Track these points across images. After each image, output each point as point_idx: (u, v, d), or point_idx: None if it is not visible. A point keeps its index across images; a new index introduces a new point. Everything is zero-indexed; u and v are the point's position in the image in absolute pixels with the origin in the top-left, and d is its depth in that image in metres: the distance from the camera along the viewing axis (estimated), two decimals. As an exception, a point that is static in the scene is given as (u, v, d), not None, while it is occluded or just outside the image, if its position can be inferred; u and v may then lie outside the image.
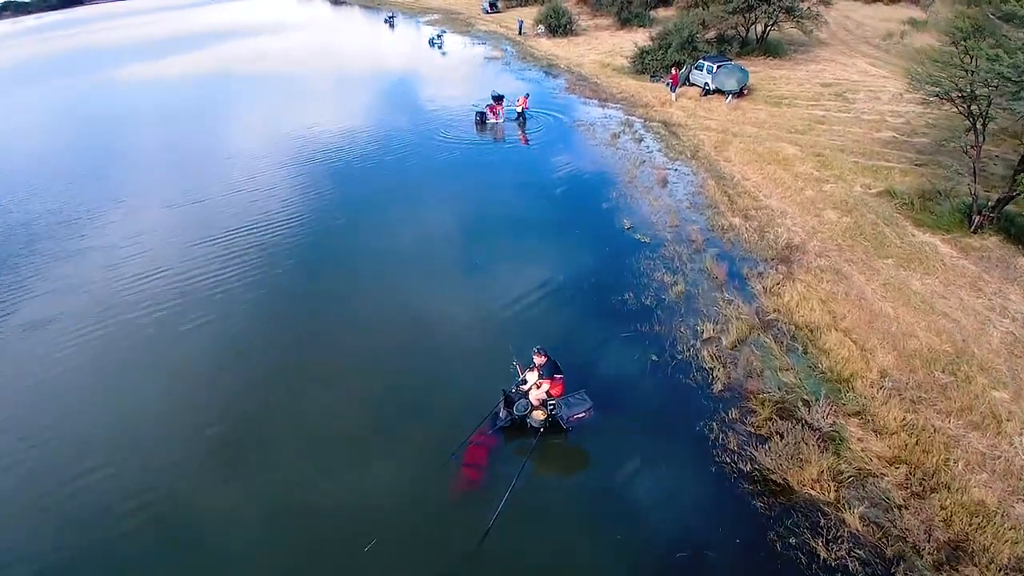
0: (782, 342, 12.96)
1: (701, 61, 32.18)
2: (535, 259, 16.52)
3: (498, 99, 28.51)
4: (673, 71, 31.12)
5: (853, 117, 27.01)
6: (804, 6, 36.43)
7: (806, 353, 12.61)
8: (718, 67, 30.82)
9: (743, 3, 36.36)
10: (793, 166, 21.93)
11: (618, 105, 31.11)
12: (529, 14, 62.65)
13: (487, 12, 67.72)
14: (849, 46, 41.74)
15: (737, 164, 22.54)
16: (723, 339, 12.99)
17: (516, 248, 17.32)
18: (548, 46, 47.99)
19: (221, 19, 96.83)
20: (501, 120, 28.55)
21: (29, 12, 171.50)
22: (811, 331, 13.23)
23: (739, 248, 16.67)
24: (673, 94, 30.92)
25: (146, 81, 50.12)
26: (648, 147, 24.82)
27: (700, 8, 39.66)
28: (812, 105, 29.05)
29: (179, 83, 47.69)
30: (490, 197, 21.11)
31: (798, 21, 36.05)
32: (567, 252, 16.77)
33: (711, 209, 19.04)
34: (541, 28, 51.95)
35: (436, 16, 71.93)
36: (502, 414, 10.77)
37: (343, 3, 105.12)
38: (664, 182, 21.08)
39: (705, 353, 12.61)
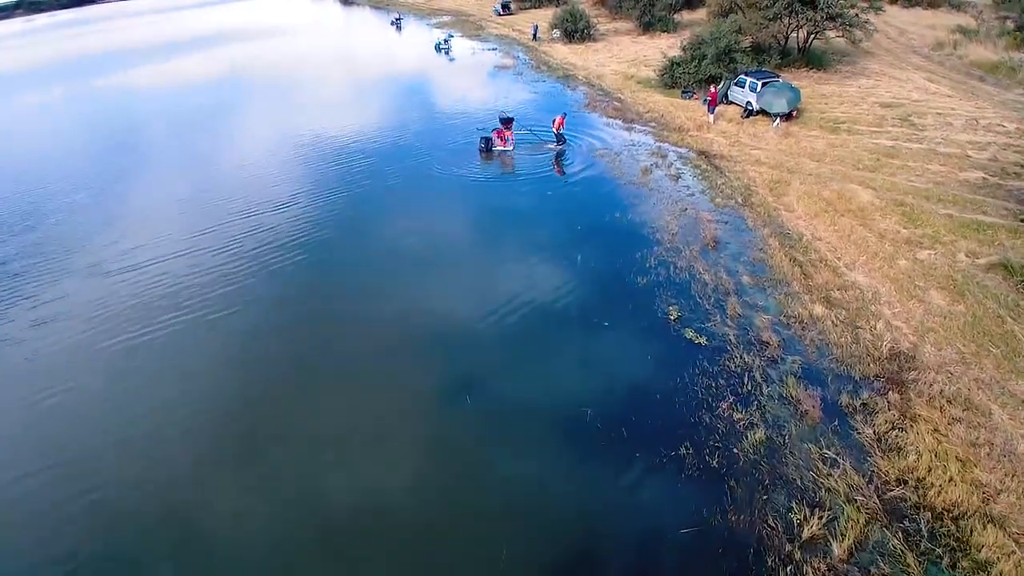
0: (916, 544, 8.33)
1: (742, 76, 27.30)
2: (544, 383, 11.90)
3: (506, 122, 23.88)
4: (712, 89, 26.25)
5: (927, 150, 22.16)
6: (852, 12, 31.32)
7: (954, 569, 7.99)
8: (763, 84, 25.96)
9: (786, 8, 31.39)
10: (872, 219, 17.18)
11: (647, 128, 26.36)
12: (543, 17, 57.80)
13: (499, 14, 62.91)
14: (897, 56, 36.71)
15: (802, 215, 17.79)
16: (832, 543, 8.38)
17: (517, 364, 12.58)
18: (564, 53, 43.18)
19: (223, 20, 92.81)
20: (510, 148, 23.92)
21: (42, 10, 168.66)
22: (955, 522, 8.62)
23: (829, 356, 12.01)
24: (711, 116, 26.10)
25: (131, 90, 45.91)
26: (688, 187, 20.10)
27: (736, 14, 34.60)
28: (876, 132, 24.17)
29: (161, 95, 43.41)
30: (484, 269, 16.35)
31: (845, 29, 30.96)
32: (592, 367, 12.21)
33: (780, 287, 14.35)
34: (556, 33, 47.11)
35: (446, 18, 67.18)
36: None
37: (353, 3, 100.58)
38: (714, 242, 16.38)
39: (810, 573, 7.99)
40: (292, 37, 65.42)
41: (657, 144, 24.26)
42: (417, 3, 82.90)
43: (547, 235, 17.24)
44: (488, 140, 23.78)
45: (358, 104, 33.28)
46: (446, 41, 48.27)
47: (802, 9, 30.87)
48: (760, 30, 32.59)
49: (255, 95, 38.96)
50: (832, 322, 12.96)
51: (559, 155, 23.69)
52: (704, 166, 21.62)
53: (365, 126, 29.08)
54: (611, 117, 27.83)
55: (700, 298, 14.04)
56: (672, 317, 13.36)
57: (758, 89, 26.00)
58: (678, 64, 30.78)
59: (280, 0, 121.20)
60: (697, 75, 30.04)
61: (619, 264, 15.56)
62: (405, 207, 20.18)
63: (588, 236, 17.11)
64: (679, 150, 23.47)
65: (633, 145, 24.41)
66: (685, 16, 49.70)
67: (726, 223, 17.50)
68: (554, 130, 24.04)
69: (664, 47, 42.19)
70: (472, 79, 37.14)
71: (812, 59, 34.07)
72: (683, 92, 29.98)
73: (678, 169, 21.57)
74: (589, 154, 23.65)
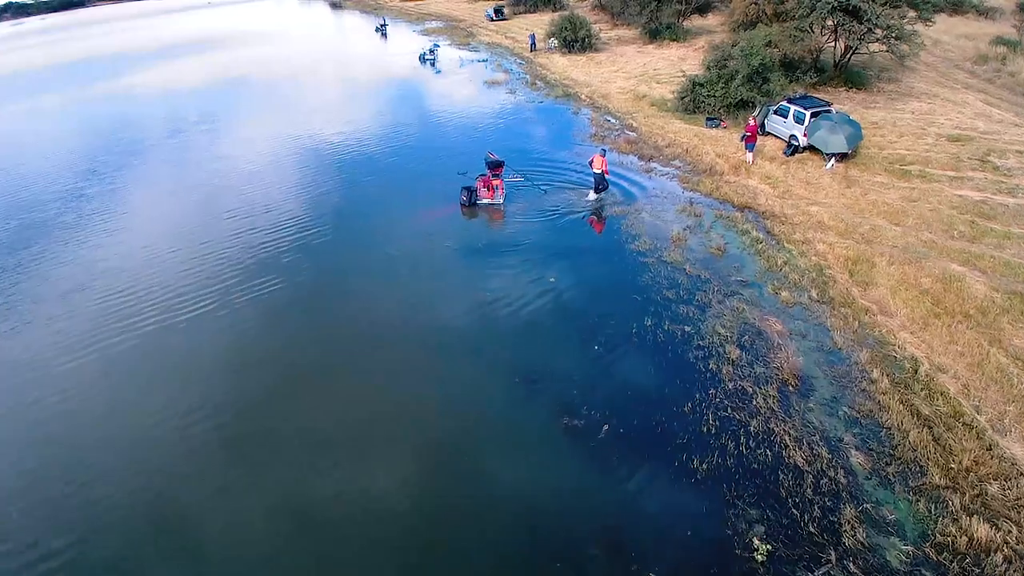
0: None
1: (784, 104, 21.73)
2: None
3: (494, 167, 18.24)
4: (751, 122, 20.60)
5: (1029, 205, 16.86)
6: (901, 24, 25.62)
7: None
8: (813, 115, 20.39)
9: (826, 18, 25.86)
10: (1002, 329, 11.94)
11: (670, 169, 20.78)
12: (538, 23, 51.95)
13: (491, 20, 57.03)
14: (940, 72, 31.24)
15: (904, 321, 12.31)
16: None
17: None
18: (563, 66, 37.42)
19: (201, 26, 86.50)
20: (500, 200, 18.27)
21: (29, 14, 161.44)
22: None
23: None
24: (749, 154, 20.53)
25: (97, 99, 40.01)
26: (739, 268, 14.57)
27: (766, 24, 28.94)
28: (955, 179, 18.75)
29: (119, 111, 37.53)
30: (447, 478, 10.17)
31: (891, 43, 25.32)
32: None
33: (911, 476, 8.98)
34: (553, 42, 41.33)
35: (435, 24, 61.18)
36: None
37: (341, 7, 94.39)
38: (795, 379, 10.82)
39: None
40: (268, 45, 59.34)
41: (687, 194, 18.68)
42: (406, 7, 76.73)
43: (542, 383, 11.33)
44: (471, 191, 18.11)
45: (314, 140, 26.77)
46: (431, 51, 42.45)
47: (846, 20, 25.28)
48: (793, 43, 26.94)
49: (185, 127, 32.23)
50: (1009, 559, 7.47)
51: (598, 209, 18.09)
52: (753, 232, 16.04)
53: (317, 173, 22.69)
54: (624, 152, 22.19)
55: (795, 508, 8.50)
56: (758, 558, 7.78)
57: (806, 121, 20.43)
58: (701, 85, 25.12)
59: (269, 4, 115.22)
60: (725, 99, 24.44)
61: (660, 432, 9.95)
62: (332, 340, 13.12)
63: (607, 370, 11.47)
64: (716, 205, 17.90)
65: (656, 195, 18.82)
66: (696, 21, 44.00)
67: (803, 338, 11.94)
68: (600, 171, 18.22)
69: (674, 58, 36.60)
70: (457, 99, 31.35)
71: (850, 77, 28.52)
72: (708, 120, 24.38)
73: (721, 236, 15.99)
74: (598, 211, 18.02)
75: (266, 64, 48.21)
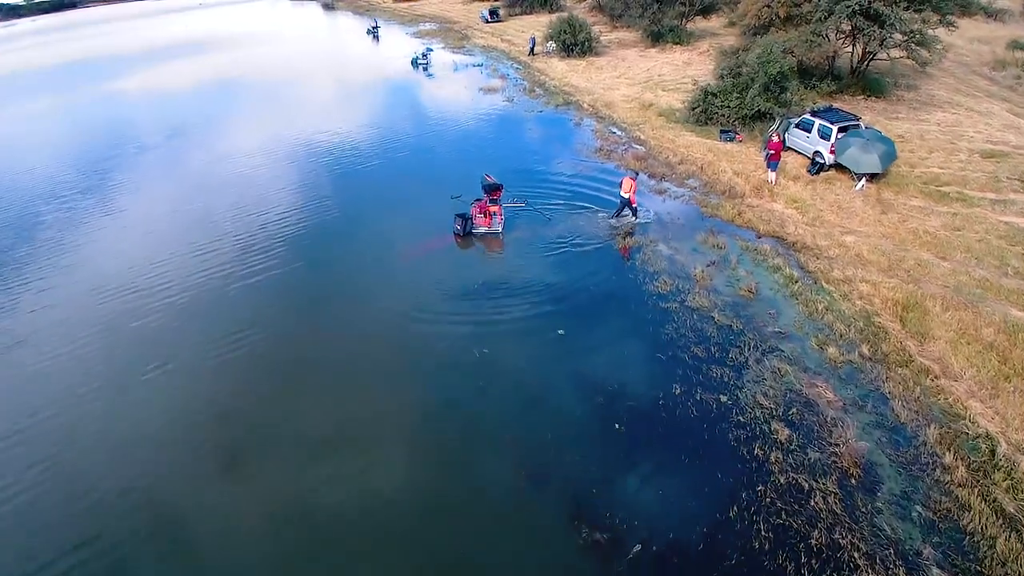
0: None
1: (807, 117, 19.85)
2: None
3: (492, 191, 16.24)
4: (773, 138, 18.69)
5: (1086, 233, 15.11)
6: (924, 28, 23.71)
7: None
8: (841, 130, 18.52)
9: (846, 21, 23.99)
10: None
11: (685, 190, 18.85)
12: (535, 24, 49.90)
13: (486, 22, 54.92)
14: (959, 79, 29.45)
15: (971, 386, 10.48)
16: None
17: None
18: (562, 71, 35.40)
19: (191, 28, 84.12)
20: (499, 228, 16.30)
21: (20, 15, 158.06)
22: None
23: None
24: (771, 174, 18.63)
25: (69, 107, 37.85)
26: (772, 312, 12.69)
27: (780, 29, 27.00)
28: (997, 202, 17.02)
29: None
30: None
31: (912, 49, 23.43)
32: None
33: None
34: (551, 46, 39.28)
35: (428, 26, 59.00)
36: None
37: (334, 8, 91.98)
38: (858, 466, 8.97)
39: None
40: (255, 48, 57.04)
41: (706, 221, 16.74)
42: (399, 9, 74.48)
43: (551, 467, 9.48)
44: (465, 219, 16.11)
45: (291, 158, 24.12)
46: (424, 56, 40.35)
47: (866, 24, 23.36)
48: (809, 49, 25.01)
49: (158, 146, 29.73)
50: None
51: (625, 234, 16.17)
52: (786, 268, 14.12)
53: (290, 199, 20.31)
54: (633, 169, 20.15)
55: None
56: None
57: (832, 136, 18.53)
58: (714, 95, 23.16)
59: (261, 5, 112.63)
60: (740, 110, 22.50)
61: (704, 550, 8.04)
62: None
63: (632, 460, 9.53)
64: (740, 233, 15.96)
65: (672, 222, 16.88)
66: (699, 23, 42.04)
67: (860, 409, 10.05)
68: (627, 197, 16.35)
69: (679, 63, 34.67)
70: (450, 108, 29.29)
71: (869, 84, 26.64)
72: (722, 132, 22.44)
73: (750, 274, 14.06)
74: (611, 238, 16.04)
75: (249, 69, 45.96)
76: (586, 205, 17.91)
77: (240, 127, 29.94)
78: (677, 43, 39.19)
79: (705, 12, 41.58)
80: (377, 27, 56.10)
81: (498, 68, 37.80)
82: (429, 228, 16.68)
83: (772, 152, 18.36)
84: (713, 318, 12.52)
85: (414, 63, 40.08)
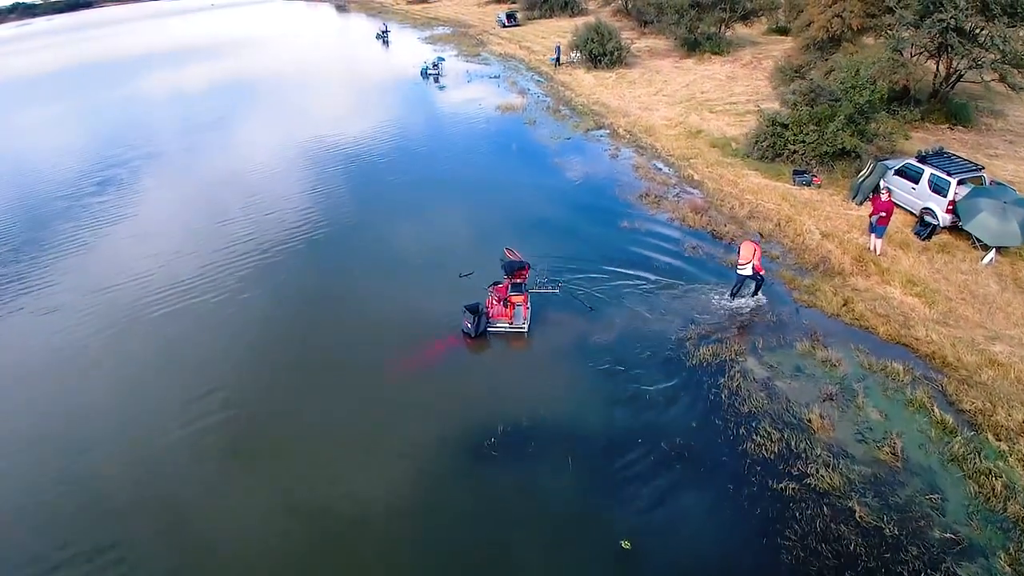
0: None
1: (911, 163, 15.23)
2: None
3: (515, 272, 11.67)
4: (882, 195, 13.90)
5: None
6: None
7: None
8: (960, 183, 13.83)
9: (938, 38, 19.27)
10: None
11: (765, 261, 14.04)
12: (556, 29, 45.22)
13: (503, 26, 50.25)
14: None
15: None
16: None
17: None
18: (590, 85, 30.73)
19: (195, 31, 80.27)
20: (523, 327, 11.68)
21: (36, 15, 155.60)
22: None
23: None
24: (876, 241, 13.92)
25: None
26: (934, 497, 8.10)
27: (847, 43, 22.21)
28: None
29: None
30: None
31: (1006, 71, 18.59)
32: None
33: None
34: (576, 55, 34.59)
35: (442, 30, 54.42)
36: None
37: (346, 10, 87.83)
38: None
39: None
40: (258, 54, 52.78)
41: (804, 315, 12.07)
42: (412, 11, 69.99)
43: None
44: (478, 314, 11.49)
45: (260, 214, 18.51)
46: (435, 65, 35.82)
47: (960, 41, 18.58)
48: (893, 71, 20.08)
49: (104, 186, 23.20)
50: None
51: (743, 325, 11.68)
52: (932, 408, 9.50)
53: (247, 282, 14.65)
54: (692, 227, 15.56)
55: None
56: None
57: (950, 191, 13.81)
58: (784, 126, 18.40)
59: (274, 5, 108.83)
60: (819, 147, 17.72)
61: None
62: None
63: None
64: (855, 339, 11.30)
65: (758, 317, 12.19)
66: (737, 31, 37.11)
67: None
68: (742, 268, 12.03)
69: (721, 76, 29.86)
70: (459, 135, 24.65)
71: (954, 110, 21.78)
72: (796, 174, 17.72)
73: (883, 416, 9.52)
74: (678, 348, 11.36)
75: (247, 80, 41.67)
76: (640, 276, 13.32)
77: (190, 175, 23.63)
78: (716, 53, 34.41)
79: (745, 18, 36.66)
80: (387, 32, 51.66)
81: (517, 81, 33.19)
82: (426, 325, 12.01)
83: (882, 214, 13.63)
84: (852, 512, 7.92)
85: (424, 73, 35.58)
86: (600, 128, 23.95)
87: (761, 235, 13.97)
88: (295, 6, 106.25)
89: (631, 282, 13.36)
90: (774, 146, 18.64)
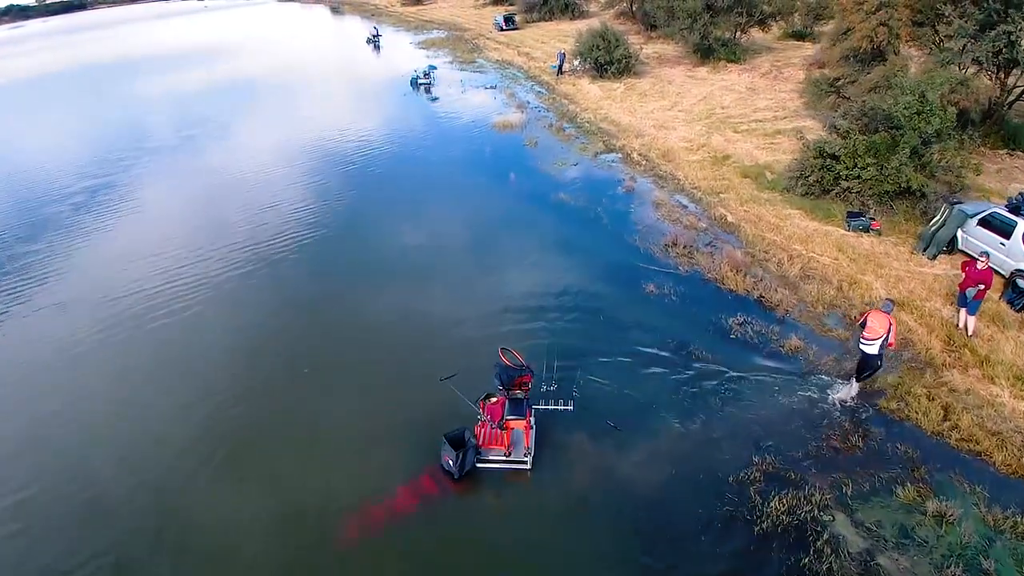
0: None
1: (1001, 213, 12.18)
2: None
3: (514, 379, 8.44)
4: (980, 265, 10.64)
5: None
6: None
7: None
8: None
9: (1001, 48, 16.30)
10: None
11: (829, 340, 10.89)
12: (556, 33, 41.98)
13: (501, 29, 46.99)
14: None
15: None
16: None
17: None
18: (596, 97, 27.52)
19: (177, 35, 76.89)
20: (526, 461, 8.45)
21: (29, 17, 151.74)
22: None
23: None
24: (970, 318, 10.69)
25: None
26: None
27: (894, 55, 19.06)
28: None
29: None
30: None
31: None
32: None
33: None
34: (579, 63, 31.36)
35: (436, 34, 51.08)
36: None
37: (340, 12, 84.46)
38: None
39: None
40: (240, 59, 49.43)
41: (895, 434, 8.94)
42: (406, 14, 66.62)
43: None
44: (463, 445, 8.24)
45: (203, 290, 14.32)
46: (426, 74, 32.59)
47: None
48: (952, 90, 16.82)
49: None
50: None
51: (821, 452, 8.58)
52: None
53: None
54: (732, 289, 12.39)
55: None
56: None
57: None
58: (834, 158, 15.20)
59: (268, 7, 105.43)
60: (879, 184, 14.54)
61: None
62: None
63: None
64: (967, 473, 8.24)
65: (835, 438, 8.99)
66: (755, 35, 33.92)
67: None
68: (879, 345, 8.94)
69: (741, 87, 26.65)
70: (451, 162, 21.30)
71: (1011, 133, 18.71)
72: (850, 217, 14.57)
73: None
74: (739, 497, 8.14)
75: (220, 91, 38.36)
76: (675, 363, 10.21)
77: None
78: (731, 60, 31.24)
79: (762, 23, 33.44)
80: (378, 36, 48.28)
81: (515, 92, 29.95)
82: (394, 462, 8.75)
83: (980, 286, 10.46)
84: None
85: (414, 83, 32.36)
86: (611, 151, 20.75)
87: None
88: (289, 7, 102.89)
89: (663, 372, 10.24)
90: (822, 181, 15.46)
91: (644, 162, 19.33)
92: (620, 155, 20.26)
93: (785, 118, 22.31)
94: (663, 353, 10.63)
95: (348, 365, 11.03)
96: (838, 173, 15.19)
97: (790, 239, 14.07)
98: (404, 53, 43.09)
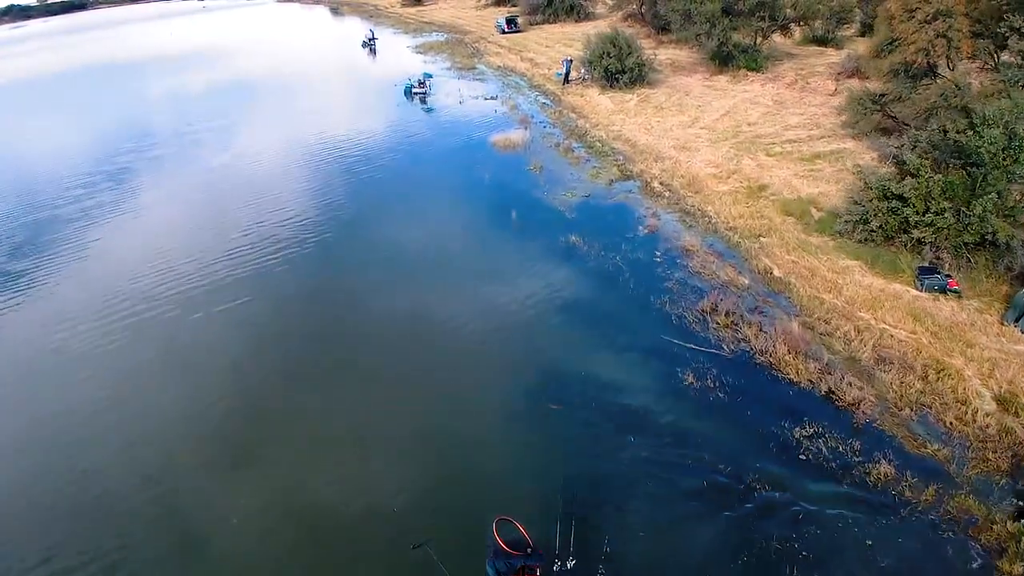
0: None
1: None
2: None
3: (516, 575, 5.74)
4: None
5: None
6: None
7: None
8: None
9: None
10: None
11: (917, 467, 8.19)
12: (561, 36, 39.25)
13: (503, 32, 44.25)
14: None
15: None
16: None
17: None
18: (607, 110, 24.83)
19: (185, 33, 74.32)
20: None
21: (30, 17, 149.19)
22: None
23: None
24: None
25: None
26: None
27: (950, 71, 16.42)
28: None
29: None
30: None
31: None
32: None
33: None
34: (586, 72, 28.65)
35: (436, 37, 48.31)
36: None
37: (340, 13, 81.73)
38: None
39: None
40: (229, 64, 46.78)
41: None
42: (406, 15, 63.83)
43: None
44: None
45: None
46: (421, 82, 29.93)
47: None
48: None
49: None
50: None
51: None
52: None
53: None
54: (792, 380, 9.70)
55: None
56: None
57: None
58: (902, 200, 12.49)
59: (268, 7, 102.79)
60: (959, 233, 11.87)
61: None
62: None
63: None
64: None
65: None
66: (776, 40, 31.14)
67: None
68: None
69: (767, 100, 23.97)
70: (443, 190, 18.52)
71: None
72: (922, 273, 12.01)
73: None
74: None
75: (212, 100, 35.75)
76: (739, 504, 7.64)
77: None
78: (752, 69, 28.44)
79: (785, 28, 30.65)
80: (374, 39, 45.55)
81: (518, 104, 27.26)
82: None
83: None
84: None
85: (407, 92, 29.73)
86: (627, 178, 18.08)
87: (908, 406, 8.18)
88: (289, 8, 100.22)
89: (714, 509, 7.64)
90: (885, 227, 12.75)
91: (667, 193, 16.64)
92: (638, 183, 17.58)
93: (822, 138, 19.60)
94: (714, 479, 8.02)
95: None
96: (905, 218, 12.49)
97: (853, 303, 11.41)
98: (400, 58, 40.37)
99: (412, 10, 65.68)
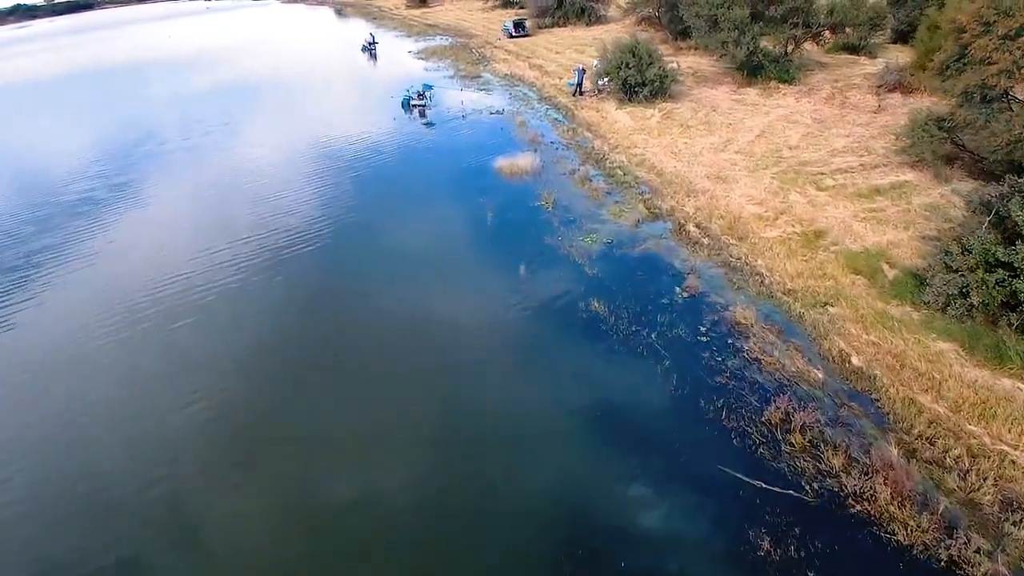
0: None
1: None
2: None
3: None
4: None
5: None
6: None
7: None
8: None
9: None
10: None
11: None
12: (572, 41, 36.58)
13: (510, 36, 41.61)
14: None
15: None
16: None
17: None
18: (627, 129, 22.23)
19: (183, 35, 72.11)
20: None
21: (36, 16, 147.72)
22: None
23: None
24: None
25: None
26: None
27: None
28: None
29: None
30: None
31: None
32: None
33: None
34: (605, 83, 26.02)
35: (440, 41, 45.67)
36: None
37: (344, 14, 79.30)
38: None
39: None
40: (220, 69, 44.38)
41: None
42: (410, 17, 61.18)
43: None
44: None
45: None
46: (420, 94, 27.41)
47: None
48: None
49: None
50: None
51: None
52: None
53: None
54: (902, 541, 7.08)
55: None
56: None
57: None
58: (1009, 268, 9.83)
59: (272, 9, 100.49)
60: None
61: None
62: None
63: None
64: None
65: None
66: (807, 48, 28.39)
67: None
68: None
69: (805, 116, 21.38)
70: (438, 236, 15.72)
71: None
72: (1049, 367, 9.19)
73: None
74: None
75: (199, 107, 33.35)
76: None
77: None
78: (783, 80, 25.75)
79: (817, 36, 27.91)
80: (374, 43, 43.00)
81: (527, 120, 24.67)
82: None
83: None
84: None
85: (405, 104, 27.26)
86: (656, 217, 15.48)
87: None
88: (293, 9, 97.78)
89: None
90: (988, 302, 10.11)
91: (705, 240, 14.04)
92: (670, 225, 14.98)
93: (876, 167, 16.94)
94: None
95: None
96: (1014, 290, 9.86)
97: (959, 410, 8.82)
98: (401, 64, 37.81)
99: (416, 12, 63.10)
